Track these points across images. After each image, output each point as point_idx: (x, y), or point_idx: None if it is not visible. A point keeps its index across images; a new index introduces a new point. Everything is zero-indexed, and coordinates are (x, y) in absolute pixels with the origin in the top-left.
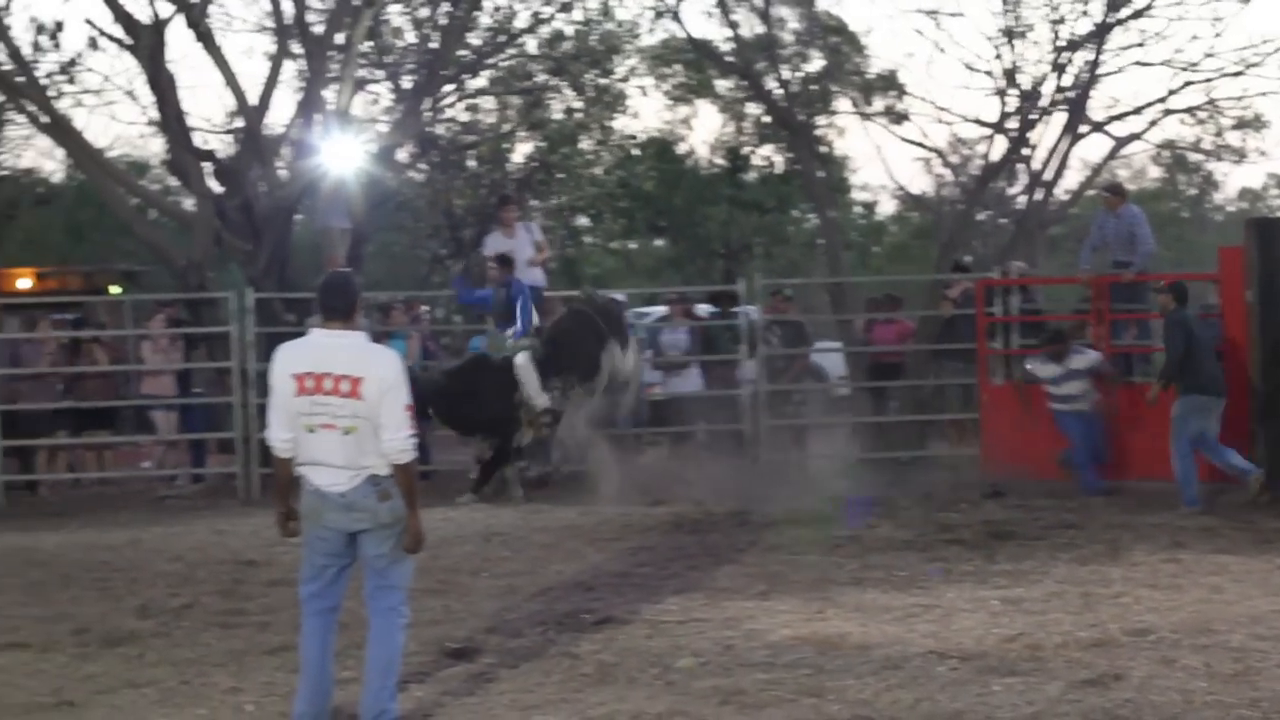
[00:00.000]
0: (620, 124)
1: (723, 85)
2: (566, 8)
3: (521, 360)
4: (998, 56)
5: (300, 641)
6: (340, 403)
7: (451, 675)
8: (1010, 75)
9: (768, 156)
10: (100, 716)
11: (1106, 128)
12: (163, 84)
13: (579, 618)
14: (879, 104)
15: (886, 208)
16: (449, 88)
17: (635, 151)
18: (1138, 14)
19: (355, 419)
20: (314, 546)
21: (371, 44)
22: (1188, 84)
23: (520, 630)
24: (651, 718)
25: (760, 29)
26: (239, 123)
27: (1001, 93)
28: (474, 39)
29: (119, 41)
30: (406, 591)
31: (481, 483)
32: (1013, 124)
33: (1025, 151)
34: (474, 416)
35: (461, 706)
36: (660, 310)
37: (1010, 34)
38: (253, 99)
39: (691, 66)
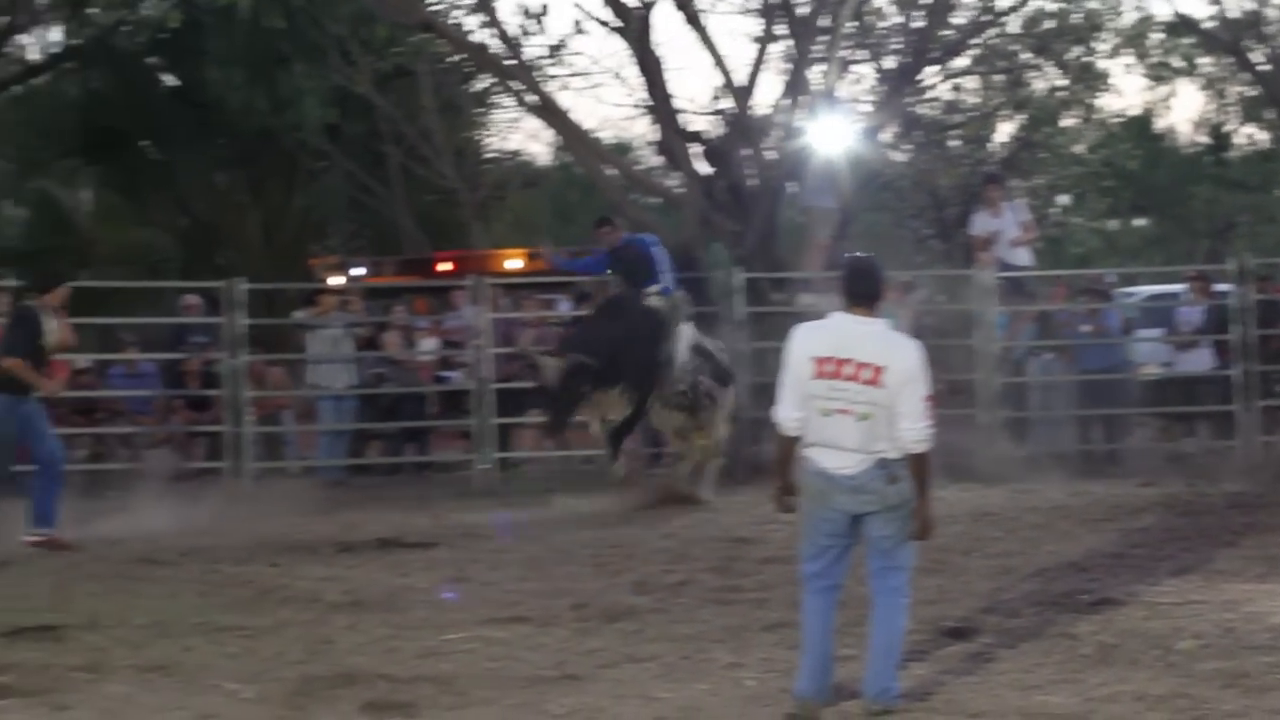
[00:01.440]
0: (1103, 102)
1: (1204, 62)
2: None
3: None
4: None
5: (802, 619)
6: (859, 390)
7: (950, 654)
8: None
9: (1251, 134)
10: (603, 689)
11: None
12: (651, 66)
13: (1076, 598)
14: None
15: None
16: (933, 68)
17: (1116, 130)
18: None
19: (873, 406)
20: (818, 527)
21: (856, 25)
22: None
23: (1017, 610)
24: (1154, 700)
25: (1248, 5)
26: (726, 104)
27: None
28: (957, 18)
29: (607, 24)
30: (910, 572)
31: (615, 451)
32: None
33: None
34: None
35: (962, 685)
36: (1145, 291)
37: None
38: (739, 80)
39: (1171, 43)
